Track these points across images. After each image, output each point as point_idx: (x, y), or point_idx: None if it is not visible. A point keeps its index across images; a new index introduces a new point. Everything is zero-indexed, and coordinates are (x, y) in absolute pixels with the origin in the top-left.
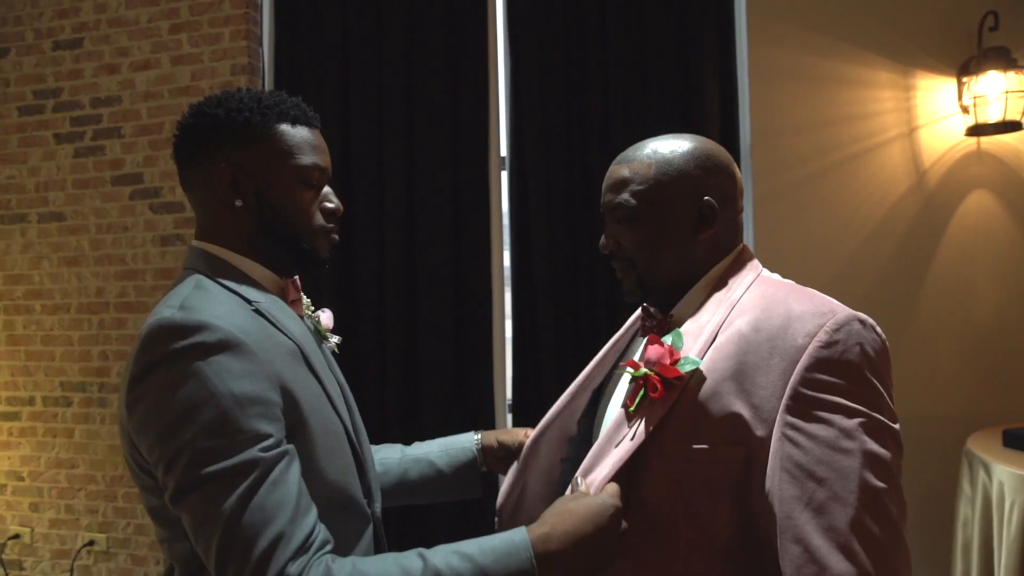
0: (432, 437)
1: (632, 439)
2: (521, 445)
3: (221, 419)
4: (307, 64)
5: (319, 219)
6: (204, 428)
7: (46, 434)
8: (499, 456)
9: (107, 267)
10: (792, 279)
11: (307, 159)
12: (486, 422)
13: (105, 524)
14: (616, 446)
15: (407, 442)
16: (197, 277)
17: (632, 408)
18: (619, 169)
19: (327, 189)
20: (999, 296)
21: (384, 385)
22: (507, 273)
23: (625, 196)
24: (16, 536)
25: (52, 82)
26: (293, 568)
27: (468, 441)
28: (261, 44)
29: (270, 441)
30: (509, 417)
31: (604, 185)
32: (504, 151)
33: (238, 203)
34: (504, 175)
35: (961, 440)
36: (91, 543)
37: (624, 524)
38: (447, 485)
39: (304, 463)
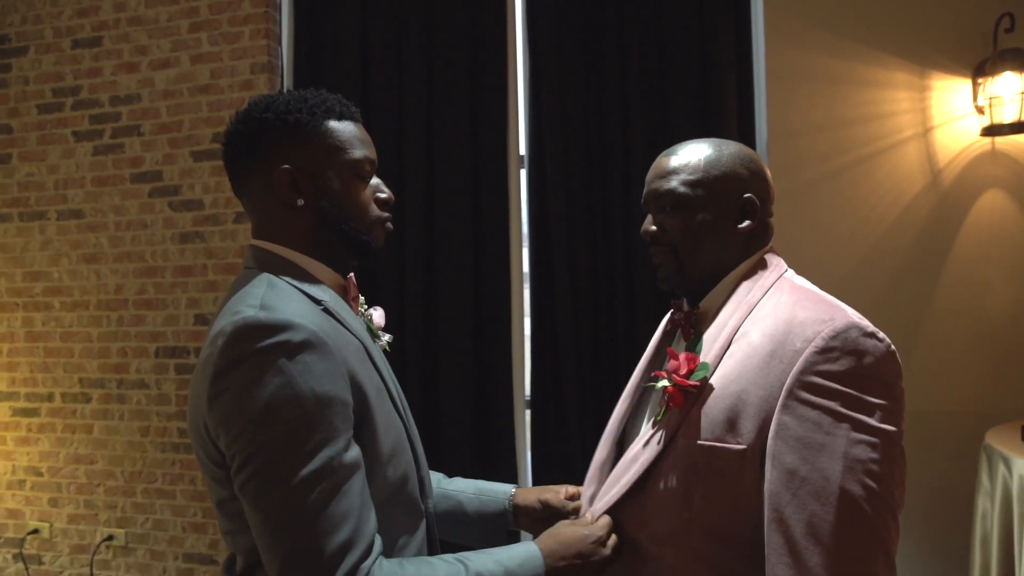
0: (449, 435)
1: (651, 447)
2: (565, 507)
3: (303, 419)
4: (326, 63)
5: (375, 210)
6: (286, 427)
7: (65, 430)
8: (540, 517)
9: (126, 264)
10: (808, 277)
11: (358, 153)
12: (505, 419)
13: (124, 519)
14: (632, 467)
15: (424, 446)
16: (267, 276)
17: (659, 417)
18: (668, 160)
19: (377, 180)
20: (1013, 293)
21: (403, 382)
22: (526, 271)
23: (675, 183)
24: (35, 531)
25: (71, 80)
26: (366, 564)
27: (503, 494)
28: (280, 43)
29: (342, 443)
30: (527, 414)
31: (650, 175)
32: (523, 149)
33: (300, 202)
34: (523, 173)
35: (975, 435)
36: (110, 538)
37: (607, 552)
38: (471, 529)
39: (368, 459)
